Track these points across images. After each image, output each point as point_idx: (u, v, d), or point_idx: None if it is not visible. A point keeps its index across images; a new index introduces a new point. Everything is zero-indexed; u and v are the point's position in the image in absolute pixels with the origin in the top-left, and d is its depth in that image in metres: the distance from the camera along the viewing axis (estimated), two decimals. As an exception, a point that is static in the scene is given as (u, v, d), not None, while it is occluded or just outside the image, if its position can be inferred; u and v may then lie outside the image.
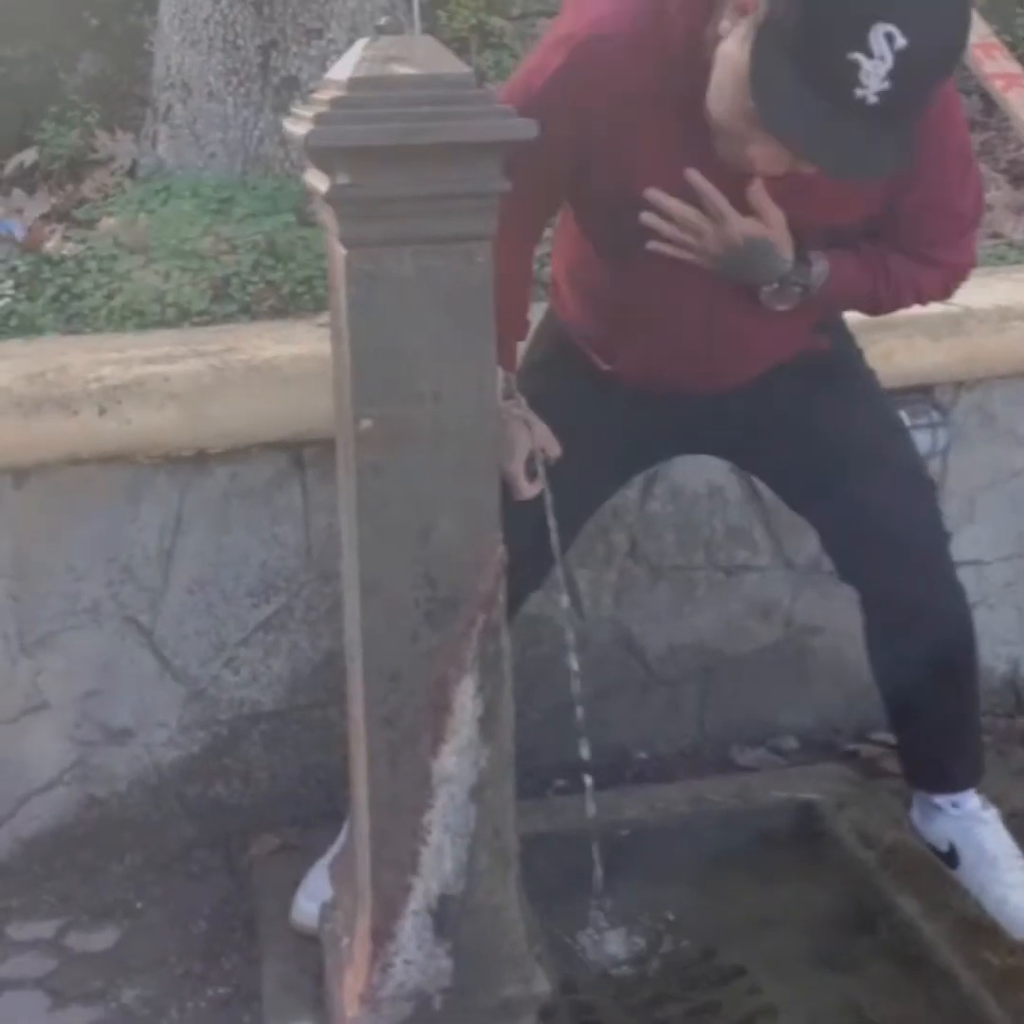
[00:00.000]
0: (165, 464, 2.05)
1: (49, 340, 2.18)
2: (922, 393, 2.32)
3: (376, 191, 1.18)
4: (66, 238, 2.41)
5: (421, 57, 1.20)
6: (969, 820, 1.93)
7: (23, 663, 2.07)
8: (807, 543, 2.39)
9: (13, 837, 2.12)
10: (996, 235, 2.85)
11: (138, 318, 2.26)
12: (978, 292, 2.37)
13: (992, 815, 1.95)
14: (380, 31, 1.23)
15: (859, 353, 1.89)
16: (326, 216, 1.26)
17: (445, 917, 1.38)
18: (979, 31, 3.22)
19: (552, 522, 1.56)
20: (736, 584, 2.40)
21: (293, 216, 2.50)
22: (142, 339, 2.17)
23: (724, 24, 1.44)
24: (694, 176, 1.53)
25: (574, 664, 1.67)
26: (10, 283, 2.27)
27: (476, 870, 1.38)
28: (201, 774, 2.19)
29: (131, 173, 2.79)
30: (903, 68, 1.32)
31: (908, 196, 1.63)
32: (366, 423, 1.25)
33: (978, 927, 1.61)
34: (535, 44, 3.40)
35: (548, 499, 1.55)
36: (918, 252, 1.70)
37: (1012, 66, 3.10)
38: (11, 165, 2.86)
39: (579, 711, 1.68)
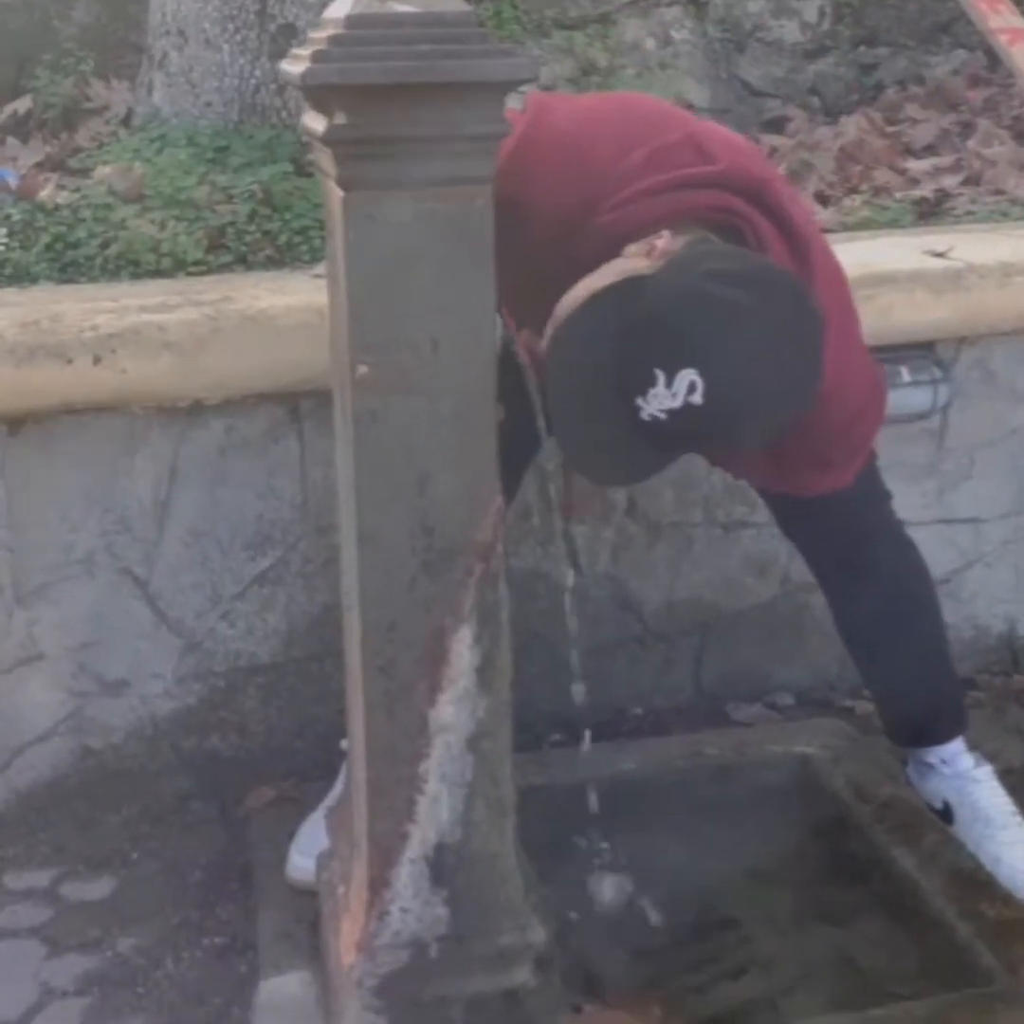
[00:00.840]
0: (160, 415, 2.03)
1: (43, 289, 2.16)
2: (923, 349, 2.31)
3: (374, 131, 1.16)
4: (61, 187, 2.38)
5: (421, -4, 1.18)
6: (962, 778, 1.94)
7: (18, 614, 2.07)
8: (805, 500, 2.39)
9: (8, 787, 2.12)
10: (998, 192, 2.83)
11: (133, 267, 2.23)
12: (980, 248, 2.36)
13: (986, 772, 1.95)
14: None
15: None
16: (323, 158, 1.24)
17: (441, 866, 1.38)
18: (984, -16, 3.19)
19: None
20: (734, 540, 2.39)
21: (290, 166, 2.47)
22: (137, 288, 2.15)
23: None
24: None
25: (572, 622, 1.66)
26: (4, 231, 2.24)
27: (472, 819, 1.38)
28: (197, 726, 2.19)
29: (126, 122, 2.76)
30: (709, 407, 1.31)
31: None
32: (363, 369, 1.23)
33: (973, 879, 1.61)
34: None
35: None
36: None
37: (1017, 20, 3.06)
38: (5, 113, 2.84)
39: (574, 657, 1.67)
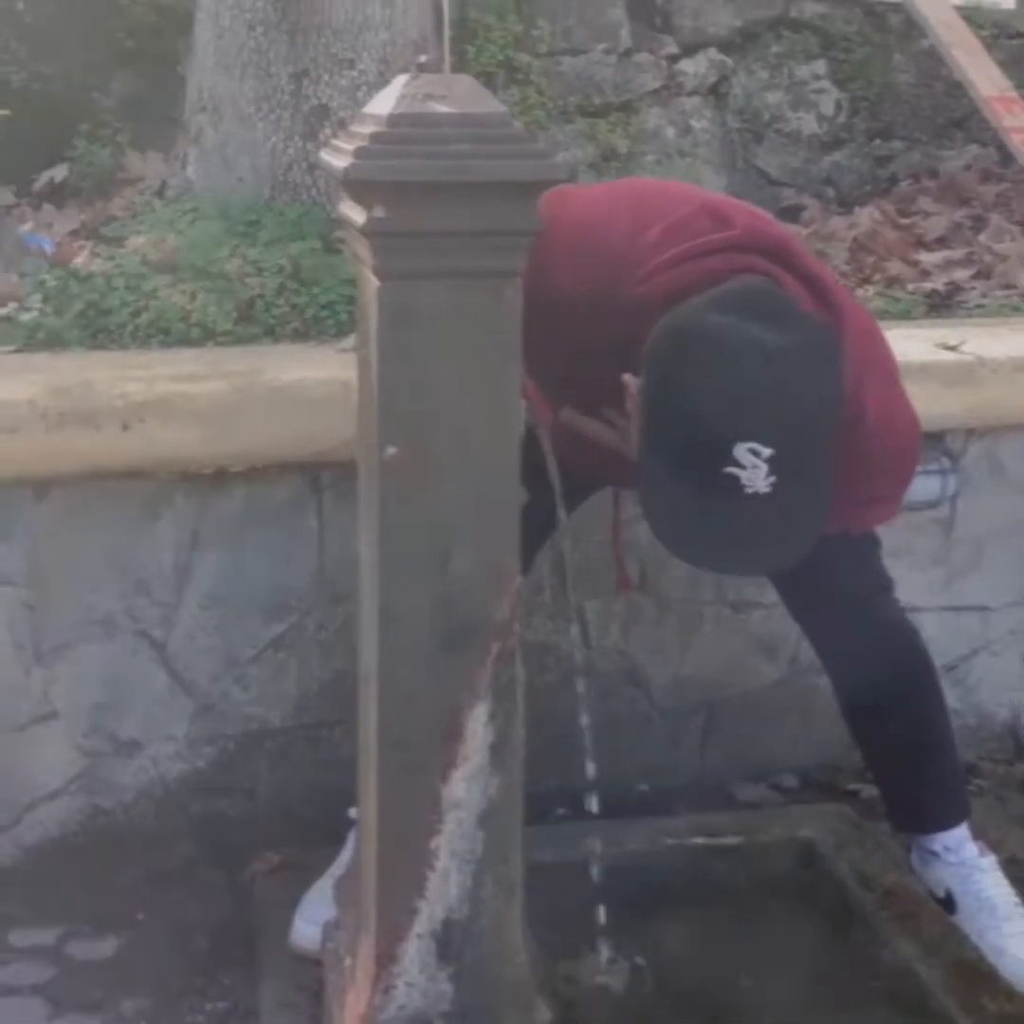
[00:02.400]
0: (184, 481, 2.07)
1: (75, 355, 2.21)
2: (933, 439, 2.35)
3: (411, 225, 1.21)
4: (95, 255, 2.44)
5: (459, 95, 1.23)
6: (966, 867, 1.94)
7: (36, 672, 2.09)
8: (814, 583, 2.41)
9: (17, 844, 2.13)
10: (1009, 286, 2.88)
11: (163, 336, 2.29)
12: (991, 342, 2.40)
13: (990, 862, 1.96)
14: (420, 68, 1.26)
15: None
16: (359, 247, 1.29)
17: (448, 942, 1.40)
18: (998, 84, 3.27)
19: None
20: (743, 620, 2.42)
21: (319, 242, 2.53)
22: (167, 357, 2.20)
23: (629, 403, 1.48)
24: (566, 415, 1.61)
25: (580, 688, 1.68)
26: (39, 297, 2.30)
27: (481, 896, 1.39)
28: (206, 789, 2.21)
29: (159, 193, 2.83)
30: (781, 465, 1.35)
31: None
32: (391, 450, 1.27)
33: (976, 972, 1.61)
34: (559, 80, 3.49)
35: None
36: None
37: (1031, 120, 3.14)
38: (42, 180, 2.91)
39: (586, 732, 1.69)
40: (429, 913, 1.39)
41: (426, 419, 1.27)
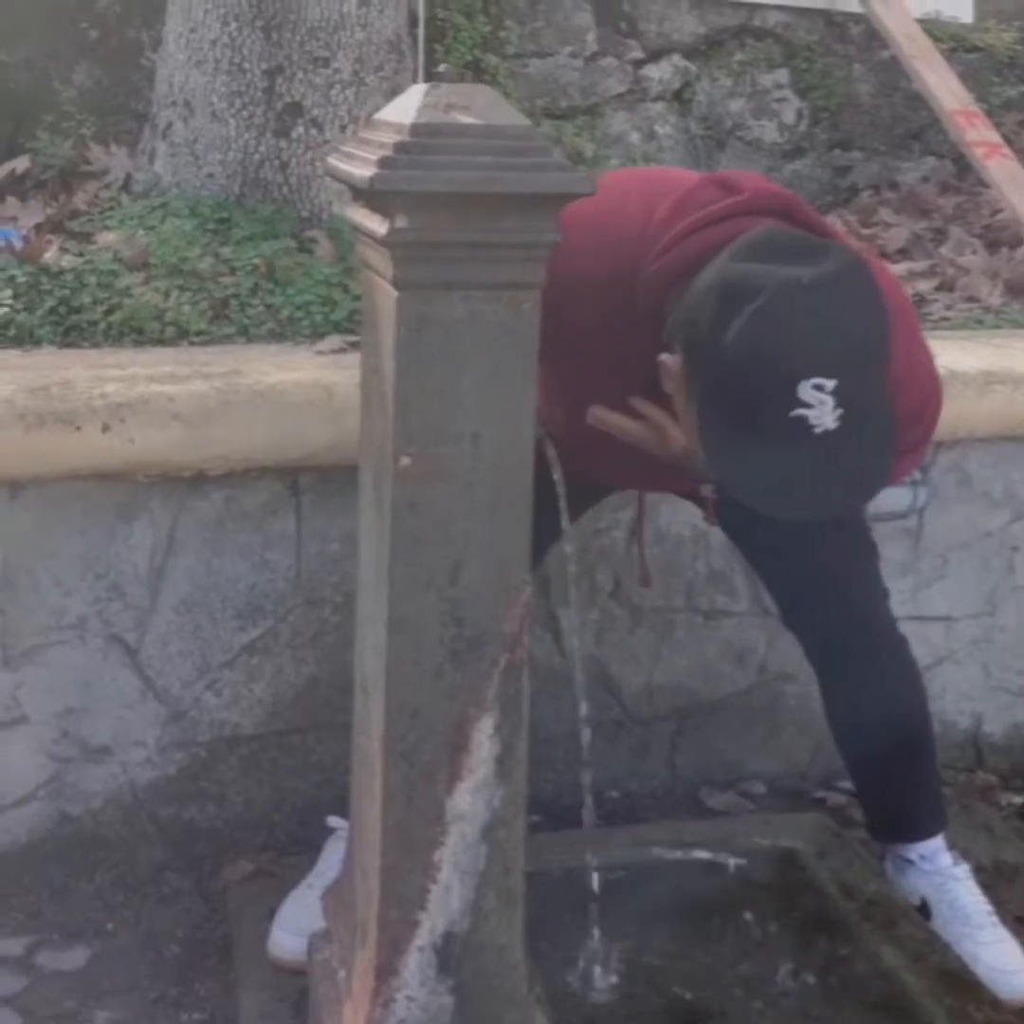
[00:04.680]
0: (162, 484, 2.04)
1: (48, 353, 2.17)
2: (904, 451, 2.38)
3: (432, 236, 1.20)
4: (64, 250, 2.40)
5: (481, 106, 1.22)
6: (941, 875, 1.97)
7: (4, 676, 2.05)
8: (784, 591, 2.44)
9: (-17, 852, 2.10)
10: (972, 298, 2.93)
11: (136, 335, 2.25)
12: (960, 356, 2.44)
13: (964, 871, 1.99)
14: (439, 78, 1.25)
15: None
16: (375, 257, 1.27)
17: (449, 955, 1.39)
18: (960, 97, 3.32)
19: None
20: (714, 628, 2.43)
21: (292, 241, 2.51)
22: (143, 357, 2.16)
23: (668, 384, 1.47)
24: (639, 403, 1.56)
25: (583, 709, 1.69)
26: (9, 292, 2.25)
27: (482, 909, 1.39)
28: (176, 796, 2.18)
29: (125, 187, 2.78)
30: (845, 396, 1.33)
31: None
32: (406, 460, 1.26)
33: (961, 981, 1.64)
34: (525, 82, 3.49)
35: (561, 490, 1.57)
36: None
37: (992, 135, 3.19)
38: (3, 172, 2.85)
39: (585, 745, 1.70)
40: (430, 926, 1.38)
41: (442, 429, 1.26)
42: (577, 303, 1.50)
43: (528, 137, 1.22)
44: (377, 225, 1.22)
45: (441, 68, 1.26)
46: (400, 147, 1.18)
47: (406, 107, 1.24)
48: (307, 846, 2.11)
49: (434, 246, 1.20)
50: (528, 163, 1.20)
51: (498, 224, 1.21)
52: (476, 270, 1.22)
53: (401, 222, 1.18)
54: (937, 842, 1.98)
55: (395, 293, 1.22)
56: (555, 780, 2.25)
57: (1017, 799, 2.48)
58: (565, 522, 1.54)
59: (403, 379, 1.24)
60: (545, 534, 1.58)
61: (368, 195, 1.22)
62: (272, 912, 1.93)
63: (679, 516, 2.32)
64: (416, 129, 1.19)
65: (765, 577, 2.01)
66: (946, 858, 1.98)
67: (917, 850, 1.97)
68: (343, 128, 2.61)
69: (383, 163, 1.17)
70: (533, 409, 1.30)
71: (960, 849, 2.10)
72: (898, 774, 1.94)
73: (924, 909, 1.95)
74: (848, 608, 1.88)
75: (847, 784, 2.45)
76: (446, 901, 1.38)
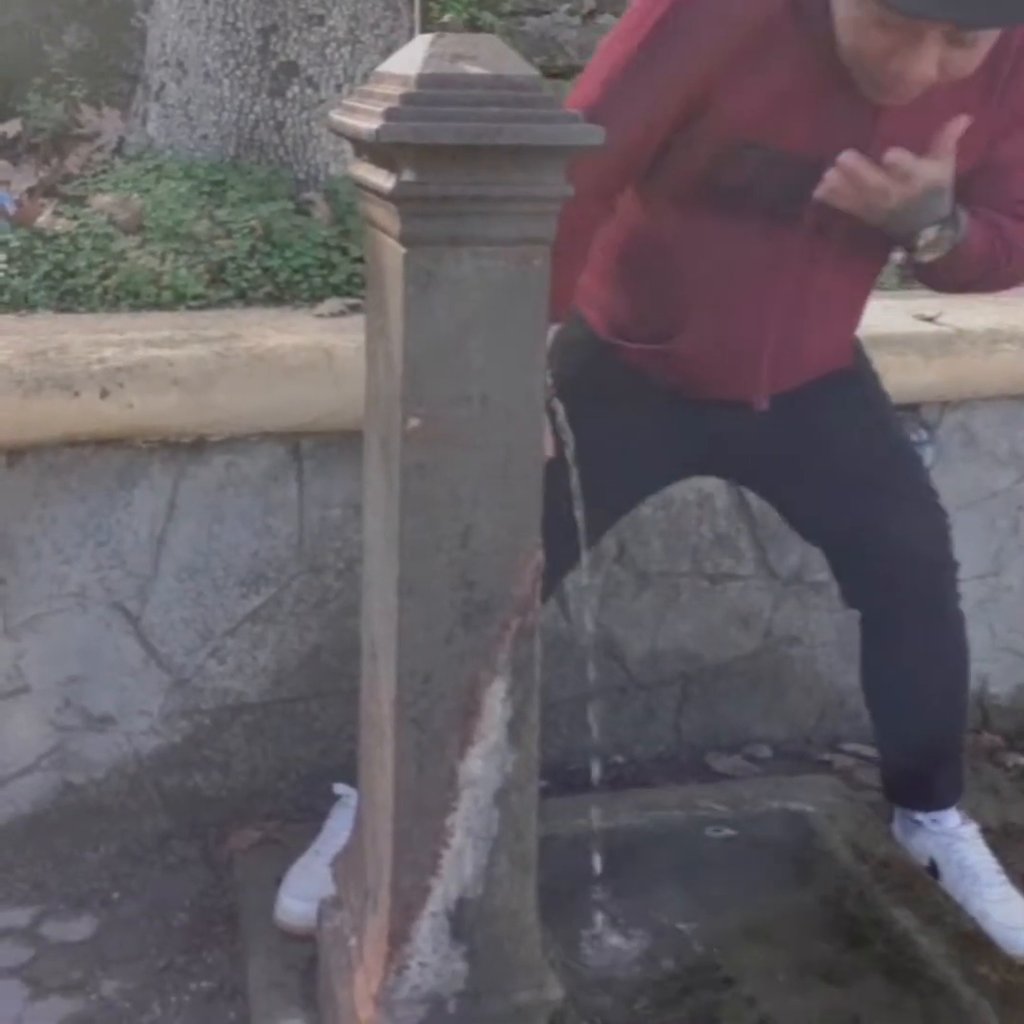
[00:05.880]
0: (162, 450, 2.02)
1: (44, 317, 2.14)
2: (910, 411, 2.36)
3: (440, 190, 1.17)
4: (58, 214, 2.36)
5: (487, 57, 1.19)
6: (949, 836, 1.97)
7: (6, 645, 2.03)
8: (790, 554, 2.42)
9: (-13, 822, 2.08)
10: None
11: (132, 299, 2.22)
12: (967, 314, 2.41)
13: (971, 831, 1.99)
14: (444, 28, 1.21)
15: (876, 376, 1.90)
16: (381, 214, 1.24)
17: (462, 920, 1.38)
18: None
19: (580, 513, 1.54)
20: (720, 592, 2.42)
21: (289, 203, 2.47)
22: (140, 321, 2.13)
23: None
24: (852, 159, 1.49)
25: (591, 673, 1.67)
26: (3, 257, 2.22)
27: (495, 875, 1.37)
28: (180, 764, 2.17)
29: (118, 150, 2.74)
30: None
31: (1007, 146, 1.61)
32: (415, 422, 1.24)
33: (975, 942, 1.63)
34: (522, 40, 3.44)
35: (576, 491, 1.53)
36: (1014, 212, 1.65)
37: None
38: (-7, 135, 2.80)
39: (591, 713, 1.68)
40: (443, 891, 1.37)
41: (451, 390, 1.24)
42: (740, 77, 1.47)
43: (536, 87, 1.18)
44: (383, 180, 1.19)
45: (446, 18, 1.22)
46: (406, 99, 1.15)
47: (411, 58, 1.20)
48: (312, 814, 2.10)
49: (442, 200, 1.17)
50: (537, 114, 1.17)
51: (507, 177, 1.18)
52: (485, 225, 1.19)
53: (408, 175, 1.15)
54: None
55: (402, 250, 1.19)
56: (561, 745, 2.24)
57: (1023, 760, 2.48)
58: (575, 483, 1.50)
59: (411, 338, 1.21)
60: (602, 513, 1.55)
61: (373, 149, 1.19)
62: (278, 880, 1.92)
63: (685, 480, 2.29)
64: (423, 80, 1.16)
65: (827, 551, 1.94)
66: (954, 818, 1.97)
67: (927, 813, 1.96)
68: (339, 87, 2.57)
69: (389, 115, 1.14)
70: (543, 368, 1.27)
71: (967, 810, 2.09)
72: (930, 746, 1.93)
73: (933, 869, 1.94)
74: (913, 583, 1.85)
75: (853, 747, 2.45)
76: (459, 867, 1.36)
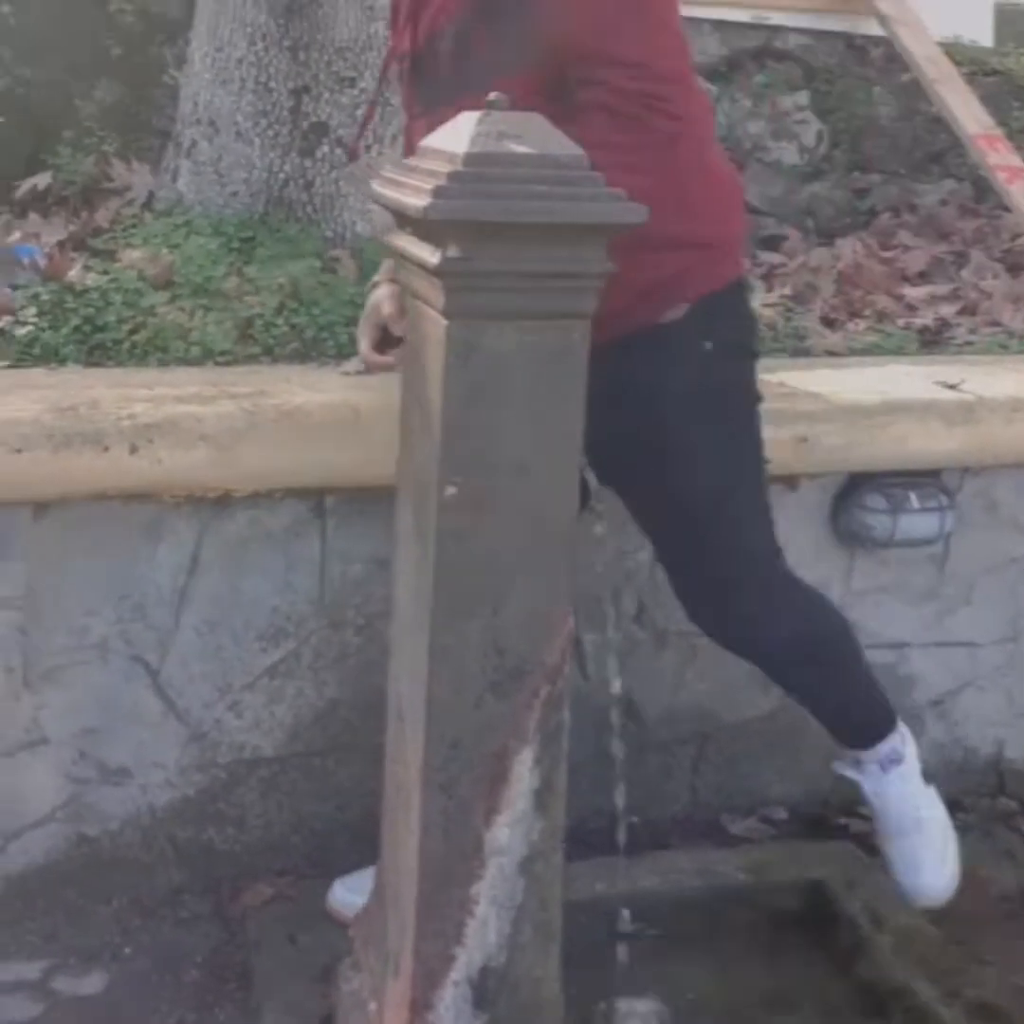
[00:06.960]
0: (186, 504, 2.03)
1: (74, 372, 2.16)
2: (931, 477, 2.37)
3: (485, 265, 1.19)
4: (88, 268, 2.39)
5: (533, 135, 1.21)
6: (877, 778, 2.04)
7: (25, 697, 2.03)
8: (808, 616, 2.42)
9: (1, 873, 2.07)
10: (994, 323, 2.92)
11: (161, 354, 2.24)
12: (988, 381, 2.43)
13: (900, 772, 2.04)
14: (491, 106, 1.24)
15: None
16: (424, 286, 1.26)
17: (485, 989, 1.37)
18: (982, 122, 3.31)
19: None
20: (737, 653, 2.41)
21: (317, 261, 2.50)
22: (169, 377, 2.15)
23: None
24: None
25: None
26: (33, 310, 2.24)
27: (519, 942, 1.37)
28: (194, 818, 2.16)
29: (147, 205, 2.78)
30: None
31: None
32: (451, 489, 1.25)
33: (995, 1013, 1.62)
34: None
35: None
36: None
37: (1014, 159, 3.19)
38: (24, 187, 2.84)
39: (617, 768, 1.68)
40: (466, 960, 1.37)
41: (488, 459, 1.25)
42: None
43: (580, 166, 1.21)
44: (428, 254, 1.21)
45: (492, 96, 1.25)
46: (454, 177, 1.17)
47: (458, 135, 1.23)
48: (325, 869, 2.09)
49: (486, 275, 1.19)
50: (581, 192, 1.19)
51: (550, 253, 1.20)
52: (527, 300, 1.21)
53: (453, 251, 1.17)
54: (885, 746, 2.04)
55: (444, 322, 1.21)
56: (579, 804, 2.23)
57: (1039, 825, 2.47)
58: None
59: (450, 408, 1.23)
60: None
61: (419, 224, 1.21)
62: (292, 937, 1.92)
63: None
64: (470, 159, 1.18)
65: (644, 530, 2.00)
66: (887, 753, 2.03)
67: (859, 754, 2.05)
68: (368, 148, 2.61)
69: (438, 193, 1.16)
70: (579, 438, 1.28)
71: (985, 877, 2.09)
72: (824, 694, 2.02)
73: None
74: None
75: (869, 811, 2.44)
76: (483, 935, 1.36)
